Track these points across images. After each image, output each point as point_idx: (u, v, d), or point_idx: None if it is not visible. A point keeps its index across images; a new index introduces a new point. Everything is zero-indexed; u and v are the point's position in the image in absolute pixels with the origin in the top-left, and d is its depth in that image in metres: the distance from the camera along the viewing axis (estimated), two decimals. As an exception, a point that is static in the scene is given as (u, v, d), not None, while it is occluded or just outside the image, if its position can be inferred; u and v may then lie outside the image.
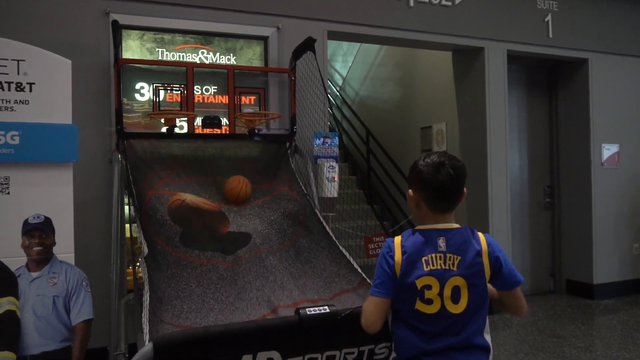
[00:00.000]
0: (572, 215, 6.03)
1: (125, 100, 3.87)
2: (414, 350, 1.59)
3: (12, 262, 2.65)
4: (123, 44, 3.94)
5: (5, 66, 2.74)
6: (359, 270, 2.73)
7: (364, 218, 5.54)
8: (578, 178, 5.95)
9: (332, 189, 3.91)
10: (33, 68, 2.75)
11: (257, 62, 4.38)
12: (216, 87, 4.19)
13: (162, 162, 3.25)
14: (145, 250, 2.58)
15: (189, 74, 3.76)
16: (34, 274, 2.61)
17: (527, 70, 6.14)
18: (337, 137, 4.06)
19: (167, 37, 4.10)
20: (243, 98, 4.23)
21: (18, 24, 3.57)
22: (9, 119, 2.72)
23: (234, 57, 4.31)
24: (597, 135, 5.83)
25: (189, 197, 3.02)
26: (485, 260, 1.59)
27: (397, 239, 1.63)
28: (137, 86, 3.97)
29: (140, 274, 2.66)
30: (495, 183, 5.30)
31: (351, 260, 2.80)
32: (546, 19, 5.52)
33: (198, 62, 4.16)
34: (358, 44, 7.64)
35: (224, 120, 4.02)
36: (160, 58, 4.07)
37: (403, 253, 1.58)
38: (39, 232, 2.60)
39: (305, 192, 3.41)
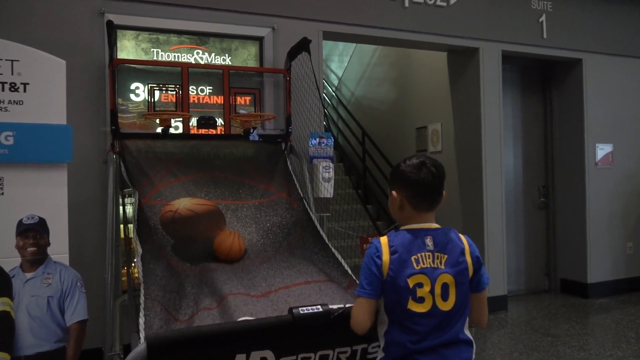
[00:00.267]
0: (567, 215, 6.06)
1: (120, 101, 3.87)
2: (405, 349, 1.61)
3: (6, 263, 2.64)
4: (118, 44, 3.94)
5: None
6: (353, 276, 2.71)
7: (359, 218, 5.55)
8: (572, 178, 5.98)
9: (327, 190, 3.92)
10: (27, 68, 2.74)
11: (252, 63, 4.38)
12: (211, 88, 4.20)
13: (157, 162, 3.23)
14: (140, 249, 2.58)
15: (184, 74, 3.76)
16: (28, 275, 2.61)
17: (521, 71, 6.17)
18: (332, 138, 4.06)
19: (162, 37, 4.10)
20: (238, 98, 4.23)
21: (12, 24, 3.56)
22: (3, 120, 2.71)
23: (229, 58, 4.31)
24: (591, 135, 5.86)
25: (183, 205, 2.95)
26: (468, 259, 1.65)
27: (384, 240, 1.64)
28: (132, 86, 3.97)
29: (136, 274, 2.66)
30: (490, 183, 5.33)
31: (345, 266, 2.77)
32: (540, 20, 5.55)
33: (193, 62, 4.16)
34: (354, 45, 7.65)
35: (219, 121, 4.02)
36: (155, 58, 4.07)
37: (392, 253, 1.60)
38: (33, 233, 2.60)
39: (302, 196, 3.39)
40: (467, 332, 1.68)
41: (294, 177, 3.56)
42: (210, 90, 4.20)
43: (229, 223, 3.03)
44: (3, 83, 2.72)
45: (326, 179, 3.94)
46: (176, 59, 4.13)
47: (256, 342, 1.73)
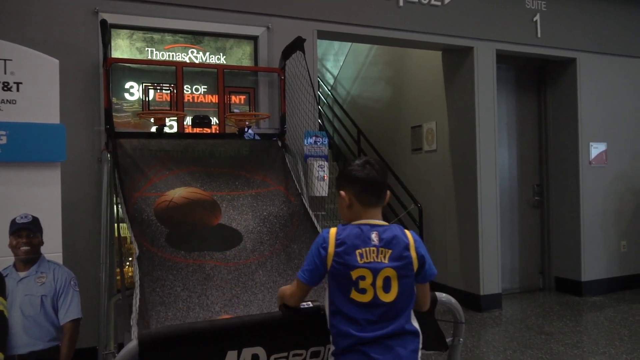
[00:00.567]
0: (561, 213, 6.09)
1: (114, 100, 3.86)
2: (351, 339, 1.66)
3: (0, 262, 2.64)
4: (112, 43, 3.93)
5: (-7, 65, 2.73)
6: None
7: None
8: (566, 176, 6.01)
9: (322, 188, 3.93)
10: (20, 67, 2.74)
11: (247, 62, 4.39)
12: (206, 87, 4.20)
13: (152, 159, 3.24)
14: (137, 250, 2.58)
15: (179, 74, 3.76)
16: (22, 274, 2.61)
17: (516, 70, 6.19)
18: (326, 136, 4.08)
19: (156, 36, 4.10)
20: (233, 97, 4.24)
21: (5, 23, 3.56)
22: (-4, 119, 2.71)
23: (224, 57, 4.32)
24: (585, 134, 5.89)
25: (178, 194, 3.01)
26: (413, 254, 1.72)
27: (333, 231, 1.73)
28: (127, 85, 3.97)
29: (131, 274, 2.66)
30: (485, 181, 5.35)
31: None
32: (535, 19, 5.57)
33: (188, 61, 4.16)
34: (349, 44, 7.66)
35: (214, 120, 4.03)
36: (149, 57, 4.06)
37: (338, 245, 1.68)
38: (26, 232, 2.60)
39: (300, 191, 3.41)
40: (415, 323, 1.75)
41: (291, 172, 3.57)
42: (205, 90, 4.20)
43: (225, 212, 3.06)
44: (-4, 82, 2.72)
45: (320, 178, 3.96)
46: (171, 58, 4.13)
47: (248, 339, 1.74)
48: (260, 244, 2.97)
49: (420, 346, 1.74)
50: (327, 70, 8.51)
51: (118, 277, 3.49)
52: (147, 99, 3.92)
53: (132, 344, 1.58)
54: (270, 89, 4.33)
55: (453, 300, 2.13)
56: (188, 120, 3.95)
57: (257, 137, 3.74)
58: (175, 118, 3.84)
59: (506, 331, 4.68)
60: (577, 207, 5.86)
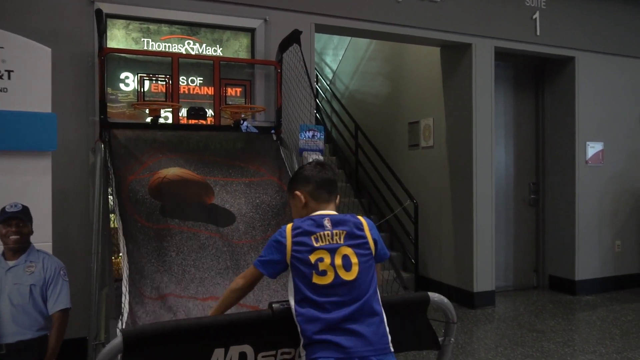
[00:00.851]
0: (556, 212, 6.09)
1: (109, 90, 3.85)
2: (319, 323, 1.66)
3: (-11, 251, 2.63)
4: (108, 33, 3.91)
5: (-16, 53, 2.71)
6: None
7: (351, 211, 5.55)
8: (563, 175, 6.01)
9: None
10: (12, 55, 2.73)
11: (243, 54, 4.37)
12: (202, 79, 4.18)
13: (146, 146, 3.26)
14: (120, 225, 2.61)
15: (175, 65, 3.74)
16: (11, 263, 2.59)
17: (514, 67, 6.17)
18: (323, 130, 4.06)
19: (153, 27, 4.08)
20: (229, 90, 4.22)
21: None
22: (-13, 107, 2.70)
23: (221, 49, 4.29)
24: (582, 133, 5.88)
25: (172, 172, 3.03)
26: (368, 235, 1.81)
27: (289, 225, 1.80)
28: (122, 76, 3.95)
29: (120, 265, 2.67)
30: (480, 178, 5.34)
31: None
32: (534, 17, 5.55)
33: (184, 52, 4.14)
34: (348, 38, 7.63)
35: (209, 112, 4.01)
36: (145, 48, 4.04)
37: (294, 236, 1.75)
38: (16, 221, 2.58)
39: None
40: (380, 307, 1.77)
41: (286, 164, 3.57)
42: (201, 81, 4.18)
43: (218, 194, 3.08)
44: (-13, 70, 2.70)
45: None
46: (167, 49, 4.10)
47: (235, 337, 1.71)
48: (252, 228, 3.00)
49: (388, 330, 1.75)
50: (327, 64, 8.48)
51: (115, 267, 3.49)
52: (142, 90, 3.90)
53: (117, 340, 1.55)
54: (267, 82, 4.31)
55: (445, 300, 2.12)
56: (183, 112, 3.94)
57: (252, 130, 3.73)
58: (171, 109, 3.82)
59: (498, 328, 4.70)
60: (572, 206, 5.87)
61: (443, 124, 5.75)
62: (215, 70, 3.86)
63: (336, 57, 8.25)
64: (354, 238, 1.77)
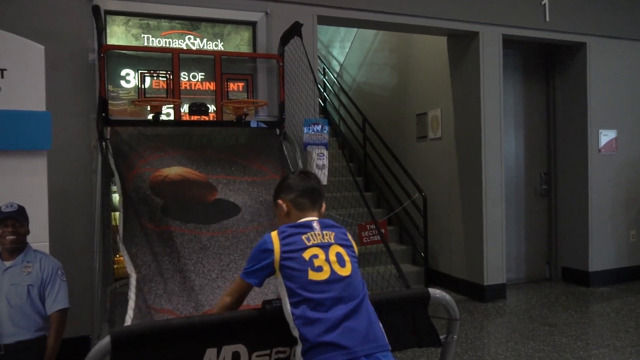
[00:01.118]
0: (569, 202, 5.97)
1: (110, 87, 3.82)
2: (321, 325, 1.60)
3: (-14, 251, 2.62)
4: (108, 30, 3.88)
5: (-24, 52, 2.69)
6: None
7: (358, 206, 5.49)
8: (575, 164, 5.88)
9: (321, 177, 3.87)
10: (4, 54, 2.70)
11: (245, 48, 4.32)
12: (203, 74, 4.14)
13: (148, 142, 3.26)
14: (121, 232, 2.60)
15: (175, 60, 3.71)
16: (8, 263, 2.58)
17: (523, 55, 6.04)
18: (327, 124, 4.00)
19: (152, 22, 4.04)
20: (231, 84, 4.17)
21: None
22: (-21, 106, 2.68)
23: (222, 43, 4.25)
24: (594, 121, 5.74)
25: (173, 171, 3.04)
26: (352, 242, 1.83)
27: (274, 232, 1.77)
28: (123, 73, 3.92)
29: (122, 264, 2.67)
30: (490, 170, 5.24)
31: None
32: (543, 2, 5.41)
33: (185, 48, 4.10)
34: (355, 30, 7.53)
35: (211, 107, 3.97)
36: (146, 44, 4.01)
37: (282, 238, 1.73)
38: (12, 221, 2.56)
39: None
40: (373, 309, 1.74)
41: (289, 162, 3.54)
42: (202, 77, 4.14)
43: (222, 191, 3.08)
44: (-20, 69, 2.68)
45: (320, 167, 3.89)
46: (167, 45, 4.07)
47: (228, 336, 1.67)
48: (258, 216, 3.02)
49: (384, 330, 1.73)
50: (333, 57, 8.40)
51: (116, 266, 3.48)
52: (143, 87, 3.88)
53: (104, 341, 1.51)
54: (269, 76, 4.26)
55: (448, 297, 2.07)
56: (185, 108, 3.90)
57: (262, 125, 3.72)
58: (172, 106, 3.79)
59: (509, 322, 4.61)
60: (585, 195, 5.74)
61: (451, 115, 5.65)
62: (217, 65, 3.82)
63: (343, 49, 8.17)
64: (343, 240, 1.79)
